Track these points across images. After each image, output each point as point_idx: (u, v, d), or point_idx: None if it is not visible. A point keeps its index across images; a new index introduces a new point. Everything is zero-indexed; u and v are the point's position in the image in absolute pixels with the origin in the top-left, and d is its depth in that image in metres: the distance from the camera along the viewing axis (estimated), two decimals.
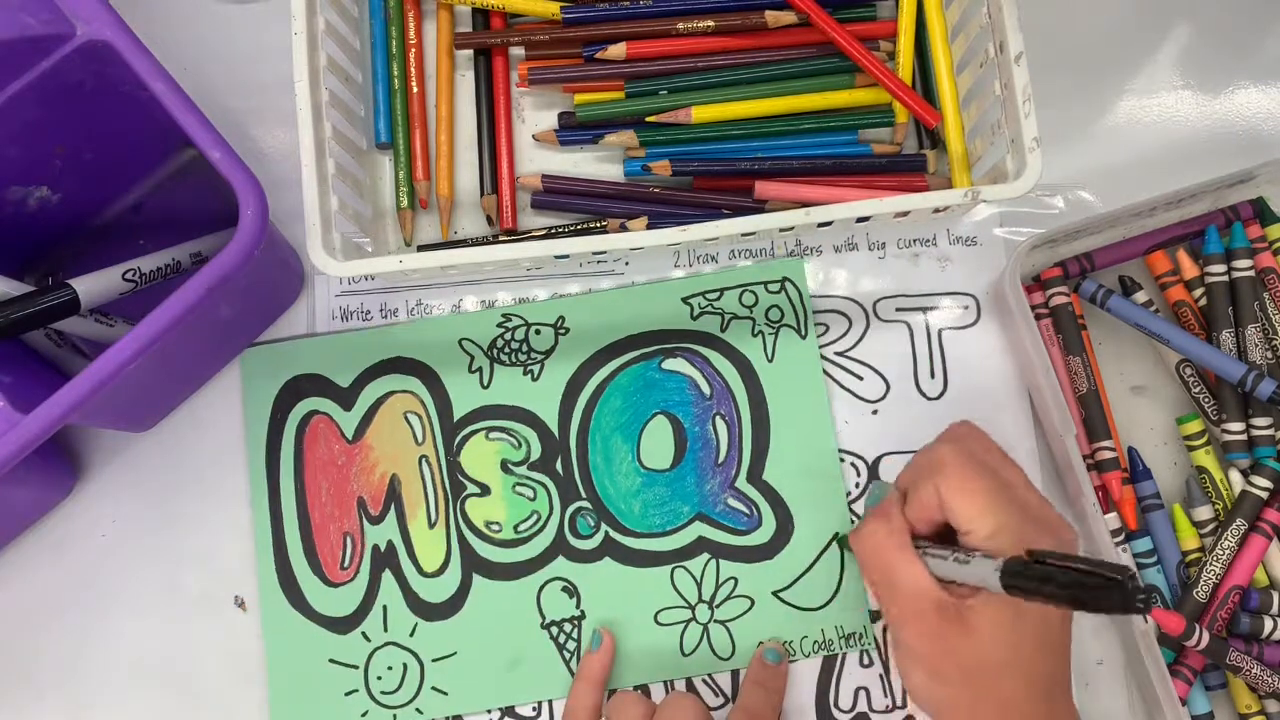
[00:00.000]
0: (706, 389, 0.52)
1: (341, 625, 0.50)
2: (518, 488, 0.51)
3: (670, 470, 0.51)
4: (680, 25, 0.50)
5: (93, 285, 0.44)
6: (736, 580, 0.50)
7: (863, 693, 0.50)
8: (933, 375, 0.52)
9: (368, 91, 0.53)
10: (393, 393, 0.51)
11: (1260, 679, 0.47)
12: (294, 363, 0.51)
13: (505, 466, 0.51)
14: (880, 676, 0.50)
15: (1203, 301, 0.51)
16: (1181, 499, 0.51)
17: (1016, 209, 0.53)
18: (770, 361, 0.52)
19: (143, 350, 0.39)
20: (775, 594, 0.50)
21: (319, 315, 0.52)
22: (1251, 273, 0.50)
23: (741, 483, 0.51)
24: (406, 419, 0.51)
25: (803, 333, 0.52)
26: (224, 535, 0.51)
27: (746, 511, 0.51)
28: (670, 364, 0.52)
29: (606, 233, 0.49)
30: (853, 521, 0.51)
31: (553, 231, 0.51)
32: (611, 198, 0.52)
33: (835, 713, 0.49)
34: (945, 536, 0.42)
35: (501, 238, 0.52)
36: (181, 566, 0.51)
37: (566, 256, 0.50)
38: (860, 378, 0.52)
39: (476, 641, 0.50)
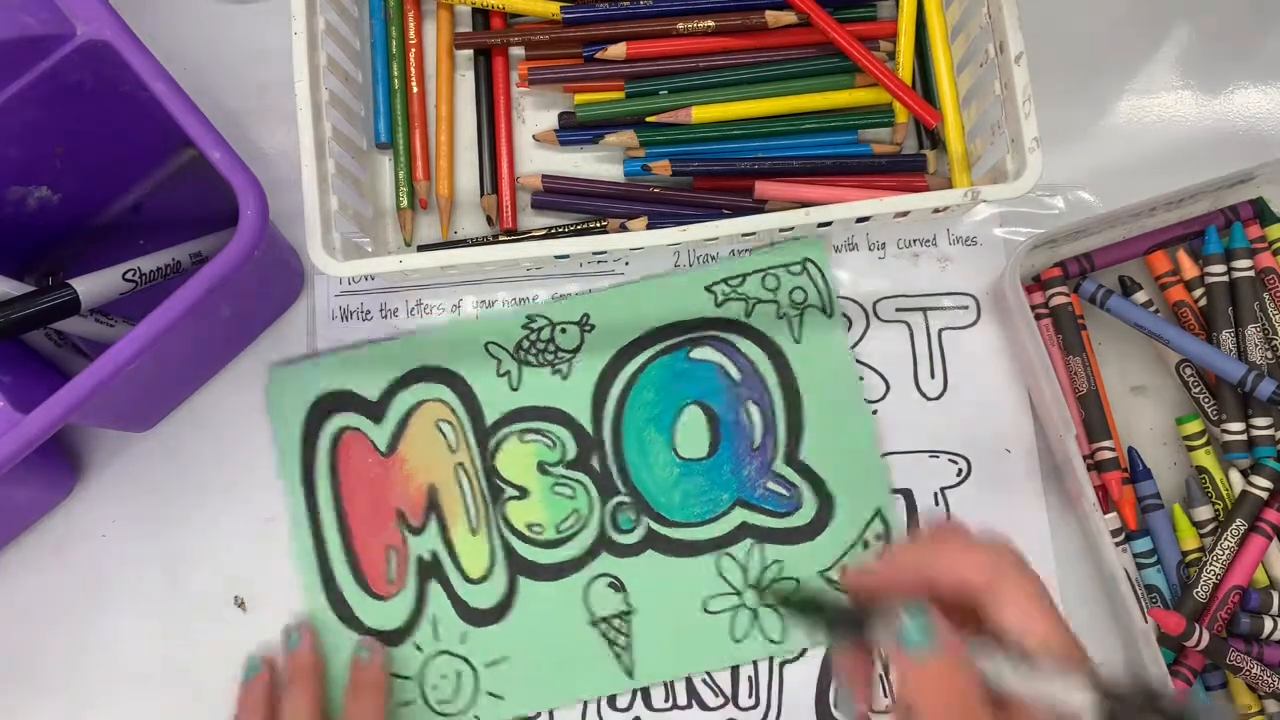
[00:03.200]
0: (736, 375, 0.52)
1: (392, 638, 0.50)
2: (556, 488, 0.51)
3: (707, 459, 0.51)
4: (680, 25, 0.50)
5: (93, 285, 0.44)
6: (782, 563, 0.50)
7: None
8: (933, 375, 0.52)
9: (368, 91, 0.53)
10: (423, 402, 0.51)
11: (1260, 679, 0.47)
12: (319, 381, 0.51)
13: (542, 467, 0.51)
14: (880, 677, 0.50)
15: (1203, 301, 0.51)
16: (1181, 499, 0.51)
17: (1016, 209, 0.53)
18: (798, 343, 0.52)
19: (143, 350, 0.39)
20: (821, 573, 0.50)
21: (319, 315, 0.52)
22: (1251, 273, 0.50)
23: (779, 465, 0.51)
24: (439, 427, 0.51)
25: (829, 312, 0.52)
26: (224, 535, 0.51)
27: (786, 494, 0.51)
28: (698, 353, 0.52)
29: (606, 233, 0.49)
30: (875, 524, 0.50)
31: (553, 231, 0.51)
32: (611, 198, 0.52)
33: (836, 713, 0.49)
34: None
35: (501, 238, 0.52)
36: (181, 566, 0.51)
37: (566, 256, 0.50)
38: (860, 378, 0.52)
39: (527, 644, 0.50)
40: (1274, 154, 0.50)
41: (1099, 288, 0.50)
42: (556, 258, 0.51)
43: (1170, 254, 0.51)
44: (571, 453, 0.51)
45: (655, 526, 0.51)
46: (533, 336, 0.52)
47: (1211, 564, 0.48)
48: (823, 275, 0.52)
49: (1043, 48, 0.49)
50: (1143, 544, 0.49)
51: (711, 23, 0.50)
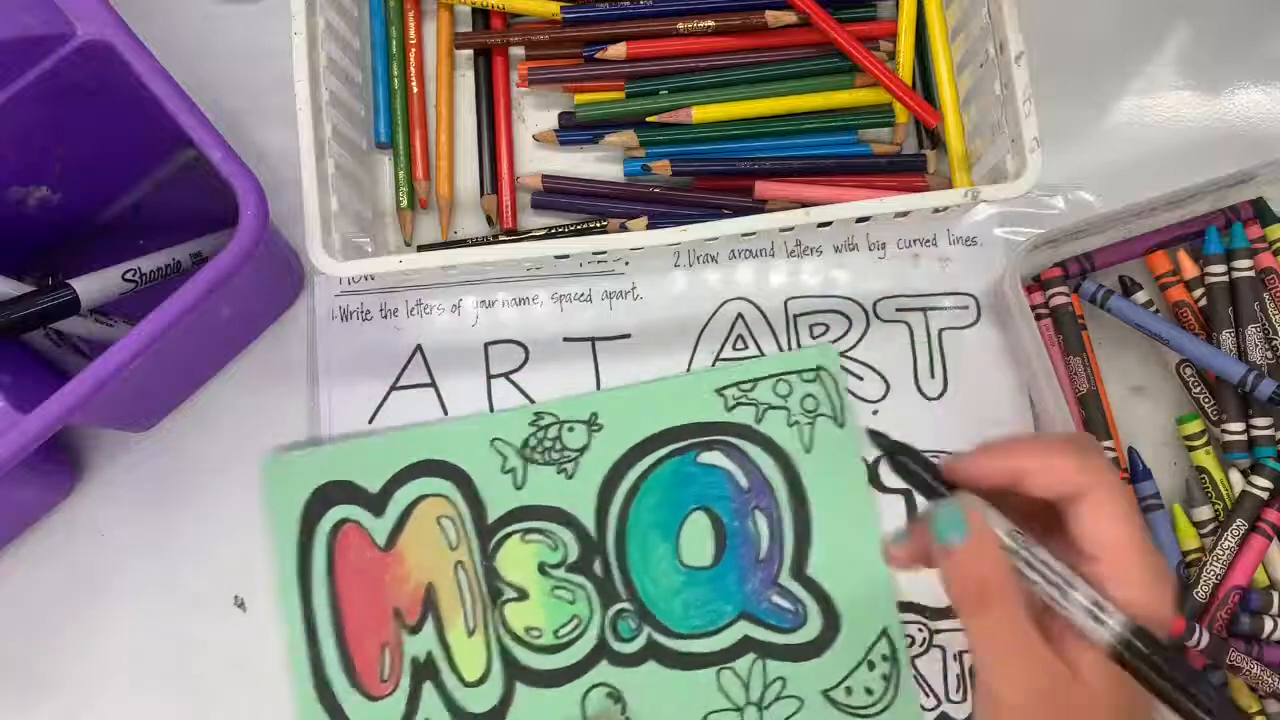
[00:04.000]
0: (745, 482, 0.50)
1: None
2: (556, 591, 0.50)
3: (711, 568, 0.50)
4: (680, 25, 0.50)
5: (93, 285, 0.44)
6: (784, 680, 0.49)
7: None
8: (933, 375, 0.52)
9: (367, 91, 0.53)
10: (425, 496, 0.50)
11: (1260, 679, 0.47)
12: (320, 470, 0.50)
13: (543, 569, 0.50)
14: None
15: (1203, 301, 0.51)
16: (1181, 499, 0.51)
17: (1016, 209, 0.53)
18: (808, 452, 0.50)
19: (143, 350, 0.39)
20: (825, 693, 0.49)
21: (319, 315, 0.52)
22: (1251, 273, 0.50)
23: (785, 579, 0.50)
24: (440, 524, 0.50)
25: (840, 421, 0.51)
26: (224, 535, 0.51)
27: (791, 609, 0.49)
28: (706, 457, 0.51)
29: (606, 233, 0.49)
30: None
31: (553, 231, 0.51)
32: (611, 198, 0.52)
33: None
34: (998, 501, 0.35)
35: (501, 238, 0.52)
36: (181, 567, 0.51)
37: (566, 256, 0.50)
38: (860, 378, 0.52)
39: None
40: (1274, 154, 0.50)
41: (1099, 288, 0.50)
42: (556, 258, 0.51)
43: (1170, 254, 0.51)
44: (574, 555, 0.50)
45: (656, 636, 0.49)
46: (540, 434, 0.50)
47: (1211, 564, 0.48)
48: (835, 384, 0.51)
49: (1043, 48, 0.49)
50: None
51: (711, 23, 0.50)
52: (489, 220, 0.52)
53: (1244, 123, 0.55)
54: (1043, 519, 0.35)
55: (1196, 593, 0.48)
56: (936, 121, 0.50)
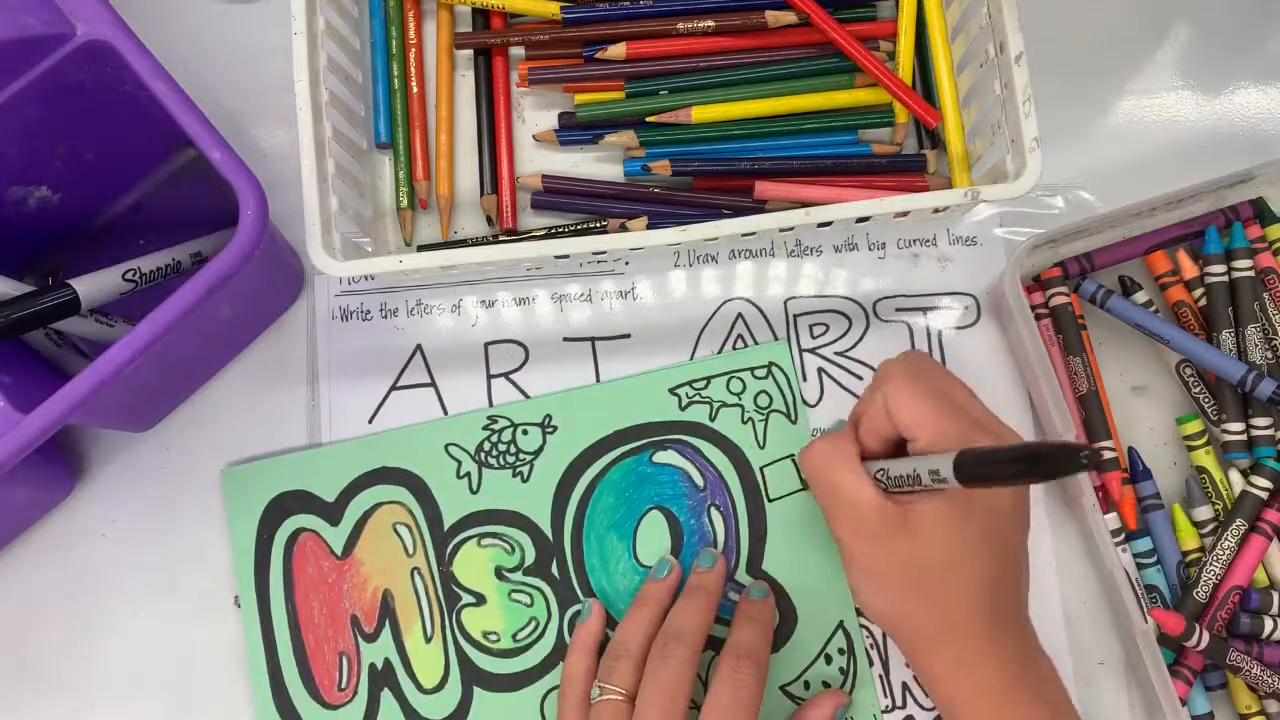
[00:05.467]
0: (700, 480, 0.51)
1: None
2: (514, 594, 0.50)
3: (696, 560, 0.49)
4: (680, 25, 0.50)
5: (93, 285, 0.44)
6: None
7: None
8: None
9: (368, 91, 0.53)
10: (381, 504, 0.50)
11: (1260, 679, 0.47)
12: (277, 480, 0.50)
13: (500, 573, 0.50)
14: (880, 677, 0.50)
15: (1203, 301, 0.51)
16: (1181, 499, 0.51)
17: (1016, 209, 0.53)
18: (762, 448, 0.51)
19: (143, 350, 0.39)
20: (782, 688, 0.49)
21: (319, 315, 0.52)
22: (1251, 273, 0.50)
23: (741, 574, 0.50)
24: (396, 530, 0.50)
25: (793, 417, 0.51)
26: (224, 535, 0.51)
27: None
28: (661, 456, 0.51)
29: (606, 233, 0.49)
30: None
31: (553, 231, 0.51)
32: (611, 198, 0.52)
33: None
34: (900, 456, 0.43)
35: (501, 238, 0.52)
36: (181, 566, 0.51)
37: (566, 256, 0.50)
38: (860, 378, 0.52)
39: None
40: (1274, 154, 0.50)
41: (1099, 288, 0.50)
42: (556, 258, 0.51)
43: (1170, 254, 0.51)
44: (530, 558, 0.50)
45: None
46: (494, 438, 0.51)
47: (1211, 564, 0.48)
48: (787, 379, 0.51)
49: (1043, 48, 0.49)
50: (1143, 544, 0.49)
51: (711, 23, 0.50)
52: (489, 220, 0.52)
53: (1244, 123, 0.55)
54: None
55: (1196, 593, 0.48)
56: (936, 121, 0.50)
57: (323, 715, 0.49)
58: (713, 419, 0.51)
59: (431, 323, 0.52)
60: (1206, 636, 0.46)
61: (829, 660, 0.49)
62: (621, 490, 0.50)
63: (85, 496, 0.51)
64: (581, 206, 0.52)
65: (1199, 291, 0.51)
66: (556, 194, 0.52)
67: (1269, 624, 0.48)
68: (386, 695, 0.49)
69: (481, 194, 0.52)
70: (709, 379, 0.51)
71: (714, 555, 0.48)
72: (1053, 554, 0.50)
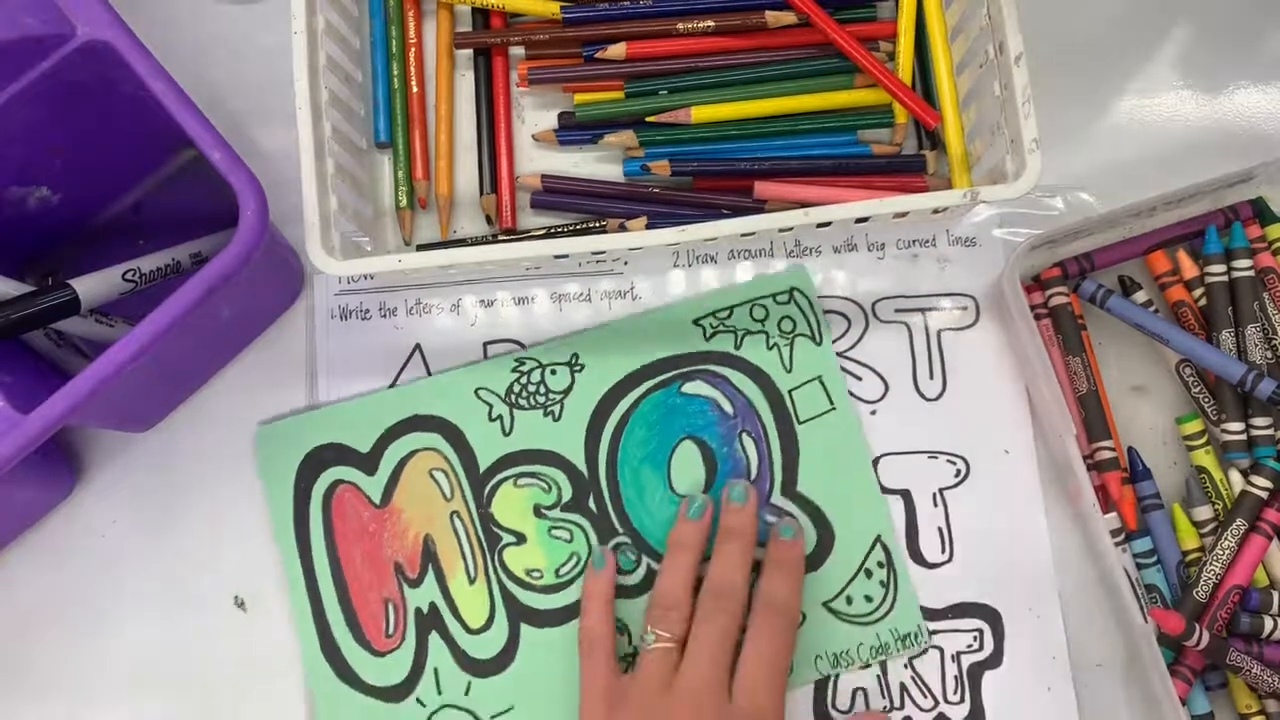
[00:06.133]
0: (729, 408, 0.51)
1: (394, 694, 0.49)
2: (553, 531, 0.50)
3: (725, 493, 0.50)
4: (680, 25, 0.50)
5: (93, 285, 0.44)
6: None
7: (860, 694, 0.50)
8: (931, 376, 0.52)
9: (367, 91, 0.53)
10: (415, 452, 0.51)
11: (1260, 679, 0.47)
12: (310, 435, 0.51)
13: (538, 512, 0.50)
14: (878, 678, 0.50)
15: (1202, 301, 0.51)
16: (1181, 499, 0.51)
17: (1016, 210, 0.53)
18: (789, 372, 0.51)
19: (143, 350, 0.39)
20: (825, 605, 0.49)
21: (318, 315, 0.52)
22: (1251, 273, 0.50)
23: (777, 497, 0.50)
24: (433, 476, 0.51)
25: (817, 339, 0.51)
26: (224, 535, 0.51)
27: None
28: (690, 387, 0.51)
29: (606, 233, 0.49)
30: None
31: (552, 231, 0.51)
32: (611, 198, 0.52)
33: (833, 713, 0.49)
34: None
35: (501, 237, 0.52)
36: (181, 567, 0.51)
37: (565, 256, 0.50)
38: (859, 378, 0.52)
39: (533, 692, 0.49)
40: (1274, 154, 0.50)
41: (1099, 288, 0.50)
42: (556, 257, 0.51)
43: (1170, 254, 0.51)
44: (567, 495, 0.50)
45: (655, 565, 0.50)
46: (523, 380, 0.51)
47: (1211, 564, 0.48)
48: (810, 302, 0.52)
49: (1043, 48, 0.49)
50: (1143, 544, 0.49)
51: (711, 23, 0.50)
52: (488, 220, 0.52)
53: (1244, 123, 0.55)
54: None
55: (1196, 593, 0.48)
56: (936, 122, 0.50)
57: (372, 662, 0.49)
58: (738, 347, 0.51)
59: (431, 322, 0.52)
60: (1206, 636, 0.46)
61: (869, 575, 0.50)
62: (652, 423, 0.51)
63: (85, 496, 0.51)
64: (581, 206, 0.52)
65: (1199, 291, 0.51)
66: (556, 194, 0.52)
67: (1269, 624, 0.48)
68: (434, 638, 0.49)
69: (481, 194, 0.52)
70: (732, 308, 0.52)
71: (744, 489, 0.49)
72: (1052, 554, 0.50)
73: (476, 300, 0.53)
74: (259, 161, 0.52)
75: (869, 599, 0.50)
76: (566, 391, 0.51)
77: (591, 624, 0.48)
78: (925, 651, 0.50)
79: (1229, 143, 0.54)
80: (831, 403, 0.51)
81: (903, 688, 0.50)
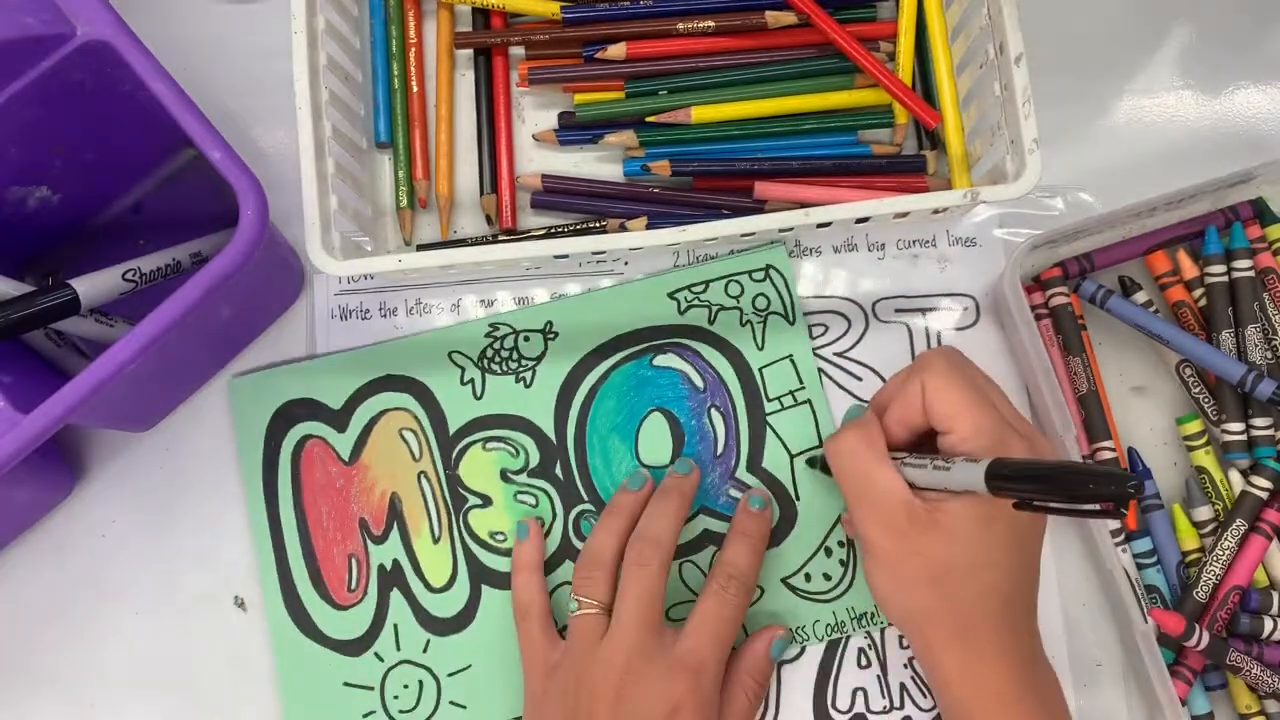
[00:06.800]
0: (700, 382, 0.51)
1: (354, 647, 0.50)
2: (519, 496, 0.51)
3: (669, 466, 0.51)
4: (680, 25, 0.50)
5: (93, 285, 0.44)
6: None
7: (860, 693, 0.50)
8: None
9: (367, 91, 0.53)
10: (386, 411, 0.51)
11: (1260, 679, 0.47)
12: (283, 389, 0.51)
13: (505, 476, 0.51)
14: (878, 677, 0.50)
15: (1202, 302, 0.51)
16: (1181, 499, 0.51)
17: (1016, 210, 0.53)
18: (760, 349, 0.52)
19: (143, 350, 0.39)
20: (784, 581, 0.50)
21: (318, 314, 0.52)
22: (1251, 273, 0.50)
23: (742, 473, 0.51)
24: (402, 436, 0.51)
25: (791, 319, 0.52)
26: (224, 535, 0.51)
27: None
28: (661, 360, 0.52)
29: (606, 232, 0.49)
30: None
31: (552, 231, 0.51)
32: (611, 198, 0.52)
33: (833, 713, 0.49)
34: (923, 449, 0.44)
35: (501, 237, 0.52)
36: (181, 567, 0.51)
37: (566, 256, 0.50)
38: (859, 378, 0.52)
39: (490, 652, 0.50)
40: (1274, 154, 0.50)
41: (1099, 288, 0.50)
42: (556, 257, 0.51)
43: (1170, 254, 0.51)
44: (534, 460, 0.51)
45: None
46: (496, 345, 0.51)
47: (1211, 564, 0.48)
48: (785, 281, 0.52)
49: (1043, 48, 0.49)
50: (1143, 544, 0.49)
51: (711, 23, 0.50)
52: (488, 220, 0.52)
53: (1244, 123, 0.55)
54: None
55: (1196, 593, 0.48)
56: (936, 122, 0.50)
57: (333, 615, 0.50)
58: (711, 322, 0.52)
59: (431, 322, 0.52)
60: (1206, 636, 0.46)
61: (829, 553, 0.50)
62: (623, 393, 0.51)
63: (85, 496, 0.51)
64: (581, 206, 0.52)
65: (1199, 291, 0.51)
66: (556, 194, 0.52)
67: (1269, 624, 0.48)
68: (396, 595, 0.50)
69: (481, 193, 0.52)
70: (707, 283, 0.52)
71: (690, 464, 0.49)
72: (1053, 554, 0.50)
73: (476, 300, 0.53)
74: (259, 161, 0.53)
75: (828, 577, 0.50)
76: (539, 358, 0.51)
77: (520, 593, 0.48)
78: (883, 631, 0.50)
79: (1229, 143, 0.54)
80: (801, 381, 0.51)
81: (903, 688, 0.50)
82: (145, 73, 0.40)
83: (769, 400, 0.51)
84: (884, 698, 0.50)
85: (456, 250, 0.46)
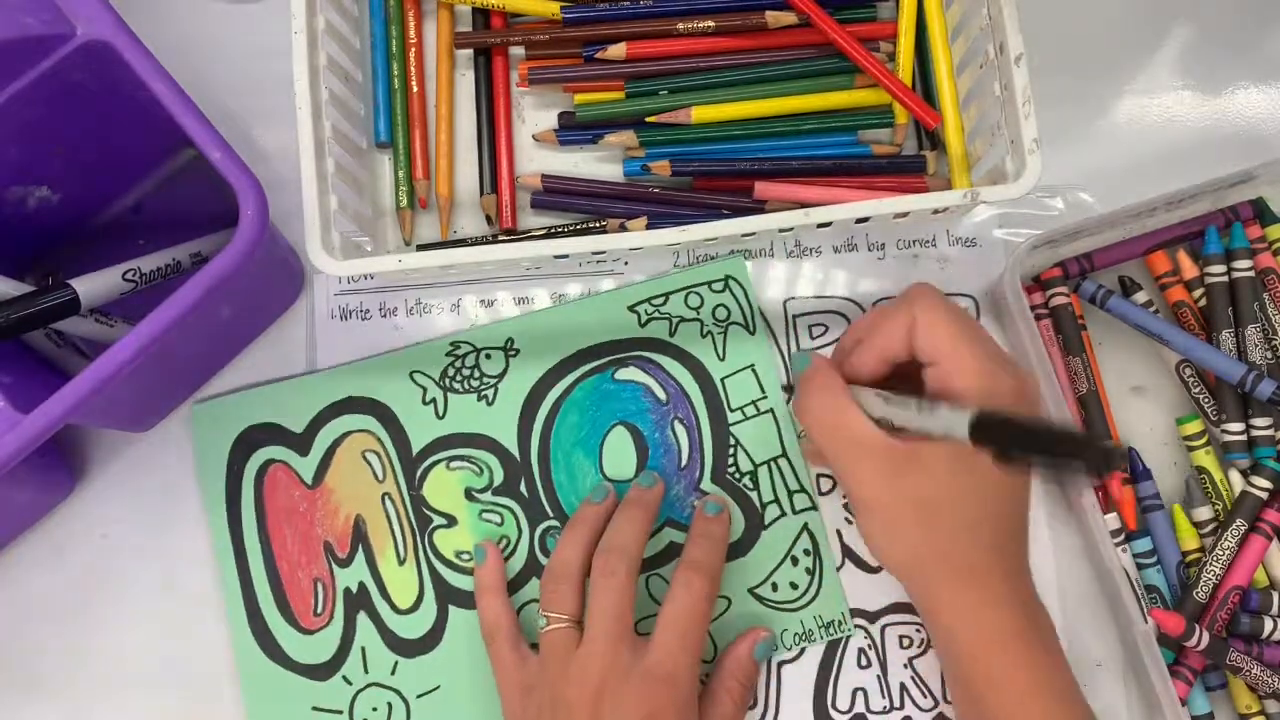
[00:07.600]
0: (662, 395, 0.51)
1: (321, 671, 0.49)
2: (484, 514, 0.50)
3: (634, 480, 0.50)
4: (680, 25, 0.50)
5: (93, 285, 0.44)
6: None
7: (860, 694, 0.50)
8: None
9: (367, 91, 0.53)
10: (349, 433, 0.51)
11: (1260, 679, 0.47)
12: (245, 414, 0.51)
13: (469, 495, 0.51)
14: (878, 677, 0.50)
15: (1202, 302, 0.51)
16: (1181, 499, 0.51)
17: (1016, 210, 0.53)
18: (722, 360, 0.52)
19: (143, 350, 0.39)
20: (751, 591, 0.50)
21: (318, 314, 0.52)
22: (1251, 273, 0.50)
23: (706, 484, 0.51)
24: (365, 458, 0.51)
25: (751, 329, 0.52)
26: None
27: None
28: (623, 374, 0.51)
29: (606, 232, 0.49)
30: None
31: (552, 231, 0.51)
32: (611, 198, 0.52)
33: (833, 713, 0.49)
34: (892, 383, 0.43)
35: (501, 237, 0.52)
36: (181, 567, 0.51)
37: (566, 256, 0.50)
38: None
39: (459, 673, 0.49)
40: (1274, 154, 0.50)
41: (1099, 288, 0.50)
42: (556, 257, 0.51)
43: (1170, 254, 0.51)
44: (499, 478, 0.51)
45: None
46: (457, 363, 0.51)
47: (1211, 564, 0.48)
48: (745, 292, 0.52)
49: (1043, 48, 0.49)
50: (1143, 544, 0.49)
51: (711, 23, 0.50)
52: (488, 220, 0.52)
53: (1244, 123, 0.55)
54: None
55: (1196, 593, 0.48)
56: (936, 122, 0.50)
57: (299, 639, 0.50)
58: (672, 334, 0.52)
59: (431, 322, 0.52)
60: (1206, 636, 0.46)
61: (795, 562, 0.50)
62: (585, 408, 0.51)
63: (85, 496, 0.51)
64: (581, 206, 0.52)
65: (1199, 291, 0.51)
66: (556, 194, 0.52)
67: (1269, 624, 0.48)
68: (362, 617, 0.50)
69: (481, 193, 0.52)
70: (667, 295, 0.52)
71: (654, 478, 0.49)
72: (1053, 554, 0.50)
73: (476, 300, 0.53)
74: (259, 161, 0.52)
75: (794, 585, 0.50)
76: (500, 375, 0.51)
77: (486, 615, 0.48)
78: (850, 637, 0.50)
79: (1229, 143, 0.54)
80: (763, 391, 0.51)
81: (903, 688, 0.50)
82: (145, 73, 0.40)
83: (731, 410, 0.51)
84: (884, 698, 0.50)
85: (456, 250, 0.46)
